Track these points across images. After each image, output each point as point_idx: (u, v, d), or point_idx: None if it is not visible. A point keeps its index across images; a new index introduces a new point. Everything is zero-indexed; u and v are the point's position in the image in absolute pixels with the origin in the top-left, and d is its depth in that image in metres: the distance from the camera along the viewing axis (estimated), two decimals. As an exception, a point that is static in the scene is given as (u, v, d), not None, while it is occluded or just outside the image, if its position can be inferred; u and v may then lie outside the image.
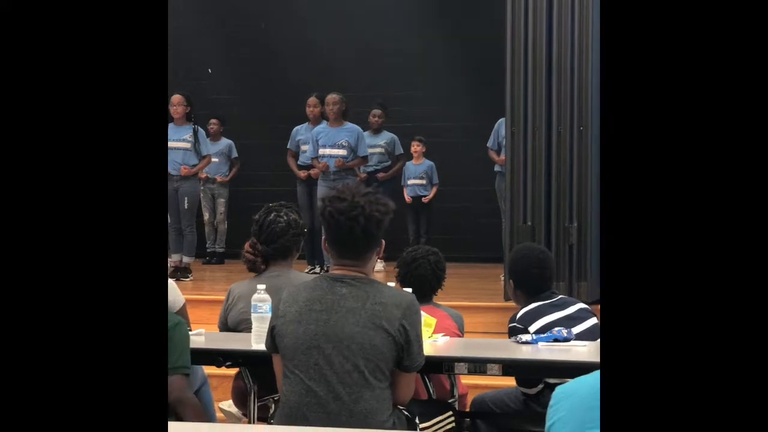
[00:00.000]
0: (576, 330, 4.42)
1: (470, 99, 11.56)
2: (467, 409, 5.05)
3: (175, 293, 4.75)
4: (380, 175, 10.72)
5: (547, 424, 2.16)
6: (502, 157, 8.87)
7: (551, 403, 2.20)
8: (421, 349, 3.56)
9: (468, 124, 11.44)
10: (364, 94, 11.27)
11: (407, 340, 3.46)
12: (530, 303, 4.63)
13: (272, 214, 4.80)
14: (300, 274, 5.02)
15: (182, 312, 4.71)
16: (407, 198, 11.02)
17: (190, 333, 3.92)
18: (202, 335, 4.52)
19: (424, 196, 11.04)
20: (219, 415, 5.11)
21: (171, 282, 4.69)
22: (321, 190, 9.40)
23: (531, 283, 4.71)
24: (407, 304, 3.50)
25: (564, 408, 2.12)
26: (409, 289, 4.26)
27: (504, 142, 8.42)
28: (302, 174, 9.94)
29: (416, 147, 11.10)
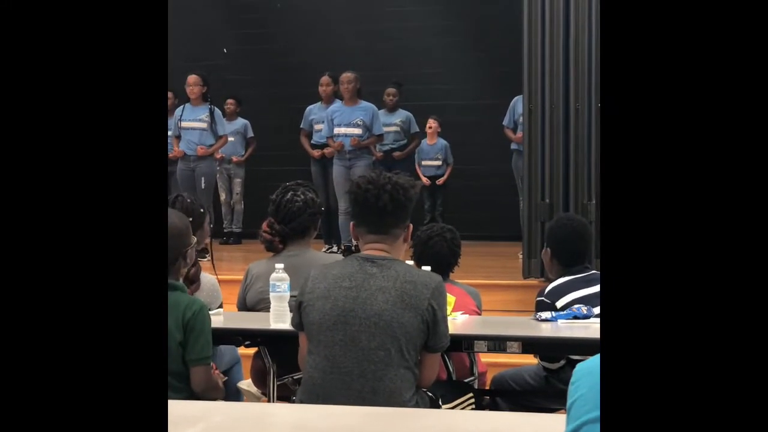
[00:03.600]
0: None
1: (486, 76, 11.53)
2: (487, 387, 5.04)
3: (215, 291, 4.74)
4: (396, 153, 10.69)
5: (569, 402, 2.15)
6: (519, 134, 8.85)
7: (572, 380, 2.18)
8: (447, 330, 3.55)
9: (484, 102, 11.40)
10: (379, 73, 11.24)
11: (435, 320, 3.45)
12: (563, 275, 4.60)
13: (289, 194, 4.78)
14: (318, 254, 5.01)
15: (213, 292, 4.70)
16: (424, 179, 10.99)
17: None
18: (220, 315, 4.52)
19: (440, 176, 11.02)
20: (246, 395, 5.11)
21: (213, 280, 4.69)
22: (336, 169, 9.39)
23: (567, 253, 4.67)
24: (436, 285, 3.50)
25: (585, 386, 2.11)
26: (428, 267, 4.25)
27: (520, 120, 8.39)
28: (316, 153, 9.92)
29: (431, 125, 11.06)
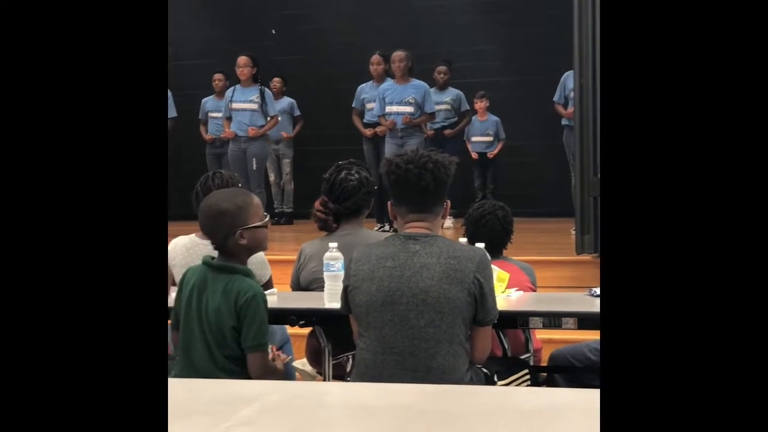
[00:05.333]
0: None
1: (536, 52, 11.45)
2: (542, 364, 5.02)
3: (263, 267, 4.75)
4: (447, 131, 10.69)
5: None
6: (570, 110, 8.79)
7: None
8: (495, 303, 3.53)
9: (533, 78, 11.33)
10: (428, 51, 11.21)
11: (481, 293, 3.43)
12: None
13: (343, 172, 4.78)
14: (371, 232, 5.01)
15: (268, 285, 4.71)
16: (473, 154, 10.97)
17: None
18: (274, 295, 4.53)
19: (489, 152, 10.99)
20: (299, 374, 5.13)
21: (261, 256, 4.66)
22: (389, 147, 9.38)
23: None
24: (480, 258, 3.48)
25: None
26: (481, 244, 4.23)
27: (571, 95, 8.34)
28: (368, 132, 9.91)
29: (481, 103, 11.03)
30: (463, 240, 4.49)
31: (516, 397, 2.81)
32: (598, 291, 4.35)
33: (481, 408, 2.56)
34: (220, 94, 10.99)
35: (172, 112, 10.42)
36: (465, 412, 2.53)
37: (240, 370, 3.63)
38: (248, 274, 3.74)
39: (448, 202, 3.63)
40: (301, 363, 5.11)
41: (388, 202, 3.66)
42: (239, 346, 3.64)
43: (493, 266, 4.38)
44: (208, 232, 3.81)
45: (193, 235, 4.96)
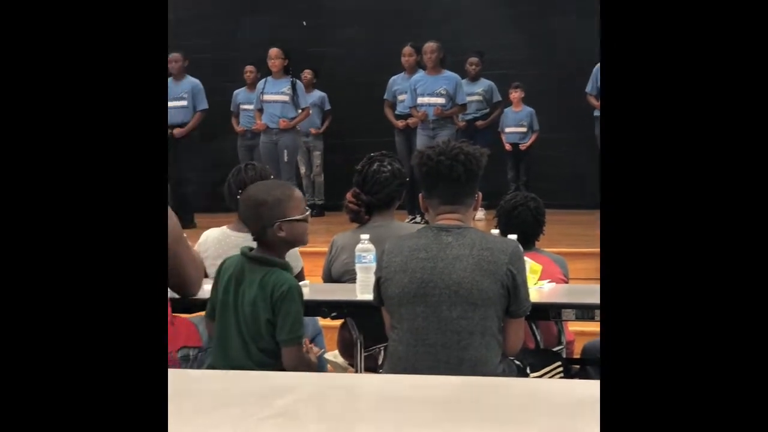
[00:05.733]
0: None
1: (567, 43, 11.42)
2: (574, 356, 5.01)
3: (295, 259, 4.76)
4: (479, 122, 10.67)
5: None
6: (603, 100, 8.77)
7: None
8: (528, 295, 3.53)
9: (564, 70, 11.30)
10: (459, 43, 11.20)
11: (514, 284, 3.42)
12: None
13: (375, 164, 4.78)
14: (403, 224, 5.01)
15: (300, 277, 4.72)
16: (507, 145, 10.94)
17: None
18: (306, 287, 4.54)
19: (523, 143, 10.96)
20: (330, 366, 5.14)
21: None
22: (420, 139, 9.38)
23: None
24: (513, 250, 3.47)
25: None
26: (514, 236, 4.22)
27: (604, 86, 8.30)
28: (400, 123, 9.91)
29: (515, 93, 11.00)
30: (495, 232, 4.48)
31: (549, 390, 2.80)
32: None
33: (513, 400, 2.56)
34: (252, 86, 11.01)
35: (203, 105, 10.44)
36: (497, 404, 2.53)
37: (274, 363, 3.64)
38: (286, 267, 3.74)
39: (479, 194, 3.62)
40: (333, 355, 5.11)
41: (420, 195, 3.65)
42: (274, 339, 3.65)
43: (525, 258, 4.38)
44: (247, 223, 3.81)
45: (225, 227, 4.98)
